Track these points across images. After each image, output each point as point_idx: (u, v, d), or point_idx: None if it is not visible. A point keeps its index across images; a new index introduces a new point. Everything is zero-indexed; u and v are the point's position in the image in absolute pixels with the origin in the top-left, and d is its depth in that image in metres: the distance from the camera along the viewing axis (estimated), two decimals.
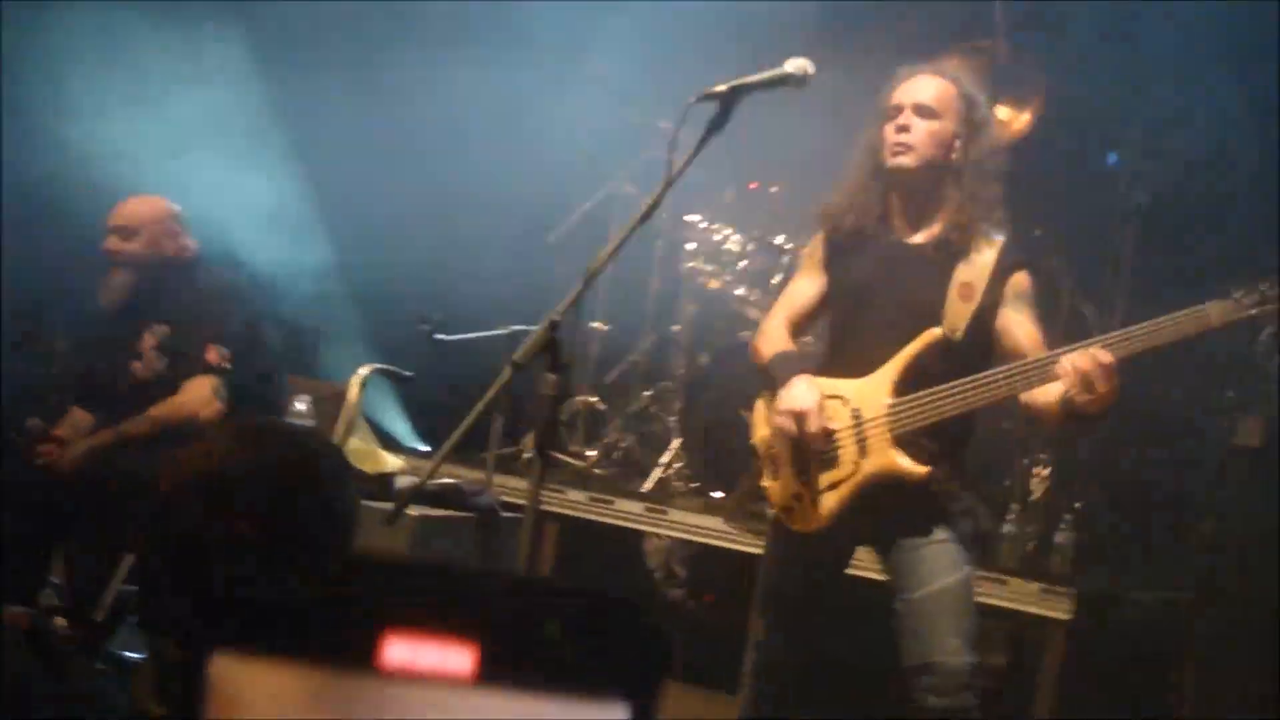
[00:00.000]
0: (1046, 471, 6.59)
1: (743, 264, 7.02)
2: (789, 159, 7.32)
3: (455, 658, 1.17)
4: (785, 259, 6.91)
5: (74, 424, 5.60)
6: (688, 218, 7.22)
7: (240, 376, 5.36)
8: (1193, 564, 6.20)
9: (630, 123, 7.72)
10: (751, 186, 7.48)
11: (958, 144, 4.17)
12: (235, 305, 5.53)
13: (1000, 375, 4.02)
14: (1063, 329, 6.57)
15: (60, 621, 4.85)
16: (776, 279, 6.86)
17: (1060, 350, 3.92)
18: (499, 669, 1.16)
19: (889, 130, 4.18)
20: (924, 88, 4.20)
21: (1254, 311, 3.81)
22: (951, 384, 4.06)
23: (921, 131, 4.14)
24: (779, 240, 6.98)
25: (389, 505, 4.64)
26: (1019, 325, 4.16)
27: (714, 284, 7.09)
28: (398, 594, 1.19)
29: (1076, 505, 6.58)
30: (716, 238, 7.10)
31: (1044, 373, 3.93)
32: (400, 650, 1.17)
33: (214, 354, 5.29)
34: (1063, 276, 6.92)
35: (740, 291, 6.99)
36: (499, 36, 7.98)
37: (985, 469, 6.42)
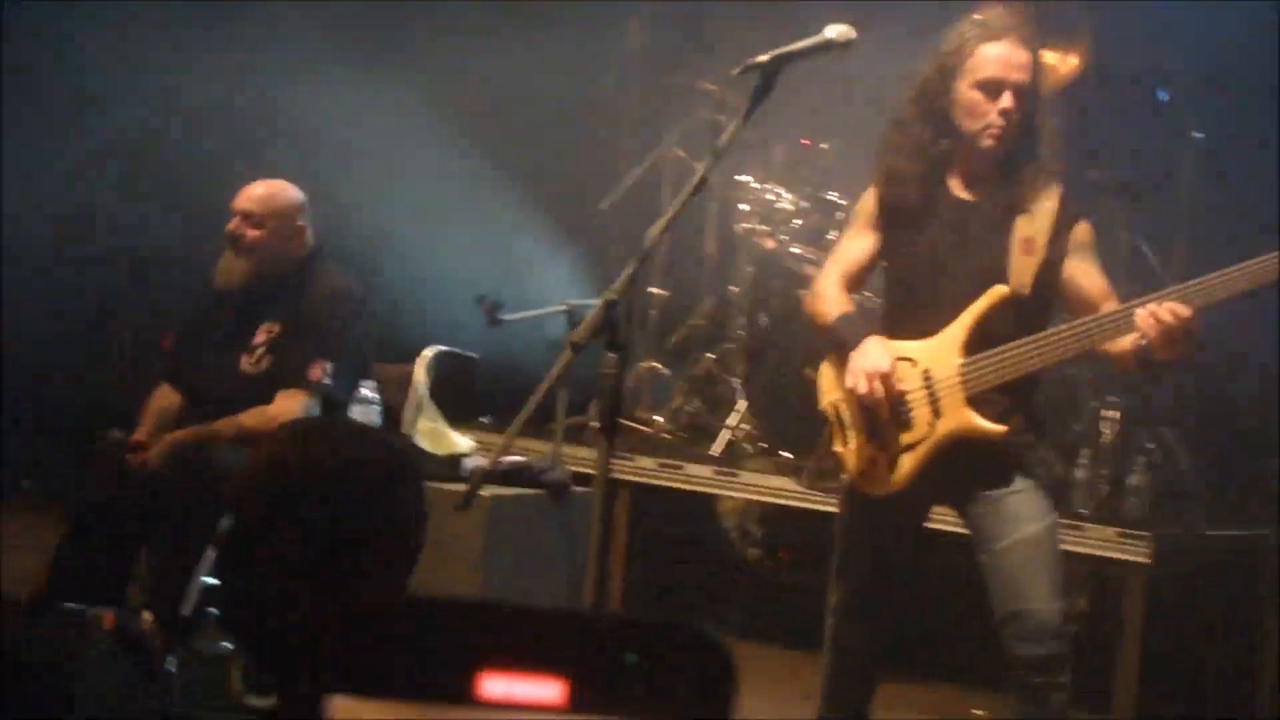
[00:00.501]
0: (1116, 414, 6.56)
1: (798, 223, 7.01)
2: (839, 114, 7.30)
3: (546, 689, 1.26)
4: (840, 216, 6.88)
5: (159, 405, 5.53)
6: (740, 178, 7.21)
7: (336, 389, 5.30)
8: (1269, 502, 6.17)
9: (676, 85, 7.72)
10: (804, 143, 7.45)
11: (1030, 109, 4.13)
12: (349, 313, 5.41)
13: (1078, 329, 4.02)
14: (1123, 269, 6.54)
15: (146, 617, 4.92)
16: (832, 236, 6.84)
17: (1135, 302, 3.91)
18: (586, 698, 1.25)
19: (984, 105, 4.06)
20: (1021, 64, 4.07)
21: None
22: (1024, 340, 4.05)
23: (1018, 113, 4.08)
24: (833, 197, 6.96)
25: (460, 487, 4.70)
26: (1087, 276, 4.16)
27: (769, 244, 7.08)
28: (490, 632, 1.29)
29: (1149, 446, 6.55)
30: (770, 197, 7.09)
31: (1120, 326, 3.93)
32: (495, 684, 1.26)
33: (317, 370, 5.20)
34: (1120, 216, 6.87)
35: (796, 250, 6.98)
36: (538, 4, 7.98)
37: (1055, 414, 6.40)
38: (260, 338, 5.37)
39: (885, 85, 6.73)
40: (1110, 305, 4.08)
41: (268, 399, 5.27)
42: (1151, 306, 3.84)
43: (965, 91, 4.10)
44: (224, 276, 5.38)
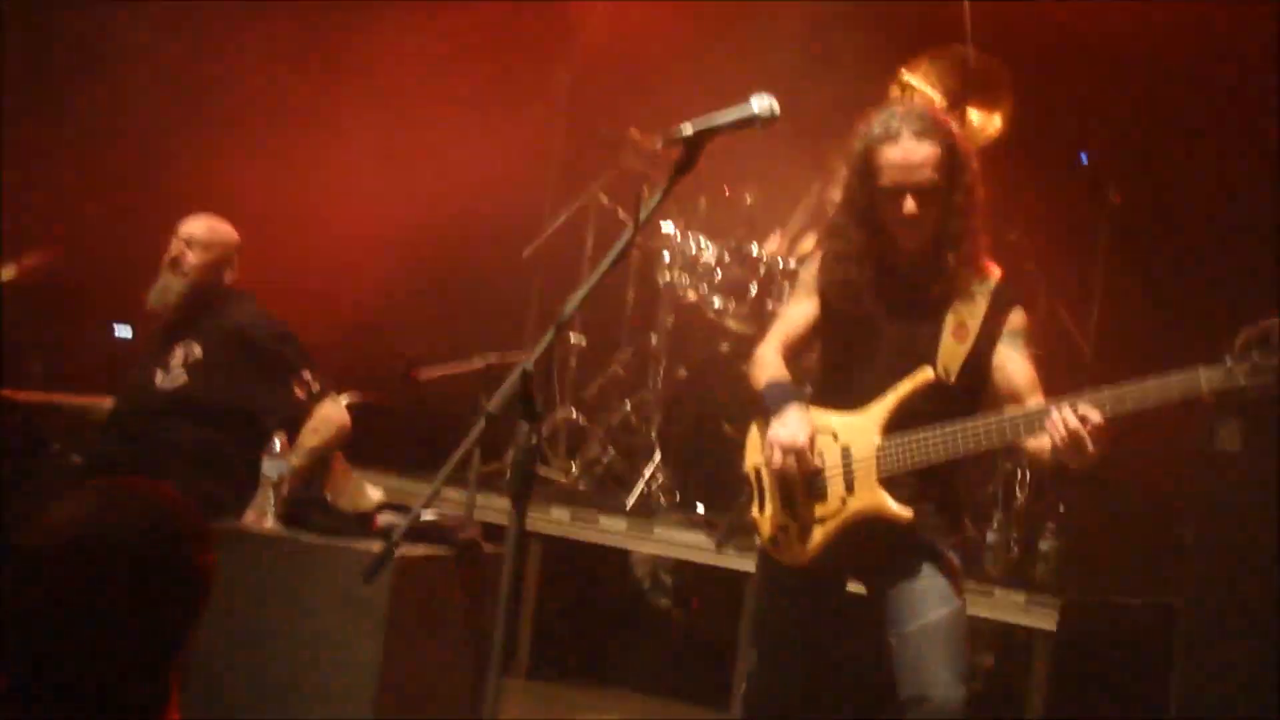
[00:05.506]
0: (1028, 476, 6.59)
1: (719, 275, 6.97)
2: (762, 166, 7.30)
3: None
4: (762, 269, 6.88)
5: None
6: (663, 228, 7.17)
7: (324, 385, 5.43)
8: (1175, 569, 6.20)
9: (602, 132, 7.69)
10: (727, 193, 7.44)
11: (945, 198, 4.10)
12: (280, 326, 5.54)
13: (992, 425, 4.00)
14: (1040, 332, 6.56)
15: None
16: (753, 290, 6.84)
17: (1051, 402, 3.88)
18: None
19: (892, 208, 4.06)
20: (920, 162, 4.03)
21: (1244, 383, 3.74)
22: (942, 429, 4.02)
23: (927, 210, 4.07)
24: (754, 251, 6.94)
25: (368, 544, 4.64)
26: (1012, 363, 4.12)
27: (691, 295, 7.05)
28: None
29: (1061, 510, 6.58)
30: (692, 249, 7.06)
31: (1033, 426, 3.91)
32: None
33: (305, 383, 5.36)
34: (1038, 279, 6.92)
35: (717, 303, 6.96)
36: (462, 46, 7.95)
37: (968, 477, 6.41)
38: (176, 356, 5.50)
39: (807, 139, 6.79)
40: (1035, 397, 4.07)
41: (179, 413, 5.42)
42: (1065, 411, 3.81)
43: (876, 195, 4.09)
44: (160, 296, 5.56)
